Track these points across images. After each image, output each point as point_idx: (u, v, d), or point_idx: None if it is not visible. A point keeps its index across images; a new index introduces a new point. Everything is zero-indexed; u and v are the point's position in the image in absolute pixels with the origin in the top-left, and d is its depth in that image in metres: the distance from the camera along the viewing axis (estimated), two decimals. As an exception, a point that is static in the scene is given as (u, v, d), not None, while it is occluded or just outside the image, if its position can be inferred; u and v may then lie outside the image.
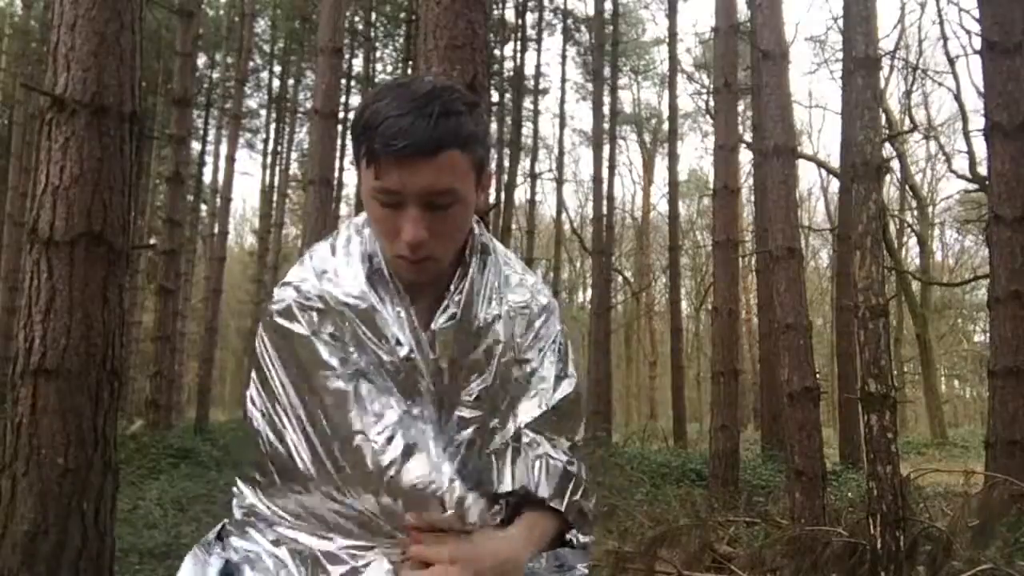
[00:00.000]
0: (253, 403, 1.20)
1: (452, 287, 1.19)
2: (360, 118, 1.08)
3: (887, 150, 17.76)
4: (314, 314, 1.12)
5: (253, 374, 1.21)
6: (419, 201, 1.06)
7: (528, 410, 1.22)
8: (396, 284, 1.16)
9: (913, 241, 24.79)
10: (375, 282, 1.16)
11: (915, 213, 23.97)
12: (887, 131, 17.73)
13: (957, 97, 18.34)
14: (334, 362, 1.11)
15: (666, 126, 22.69)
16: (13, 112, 19.64)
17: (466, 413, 1.18)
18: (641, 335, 33.76)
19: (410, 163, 1.04)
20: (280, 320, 1.15)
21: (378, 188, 1.07)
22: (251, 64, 22.99)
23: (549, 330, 1.28)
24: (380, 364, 1.13)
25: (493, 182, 1.39)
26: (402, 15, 21.75)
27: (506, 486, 1.15)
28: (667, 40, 19.17)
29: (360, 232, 1.21)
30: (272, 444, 1.15)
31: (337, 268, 1.16)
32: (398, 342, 1.14)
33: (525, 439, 1.20)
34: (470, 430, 1.18)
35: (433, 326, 1.16)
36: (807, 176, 36.49)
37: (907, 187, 22.81)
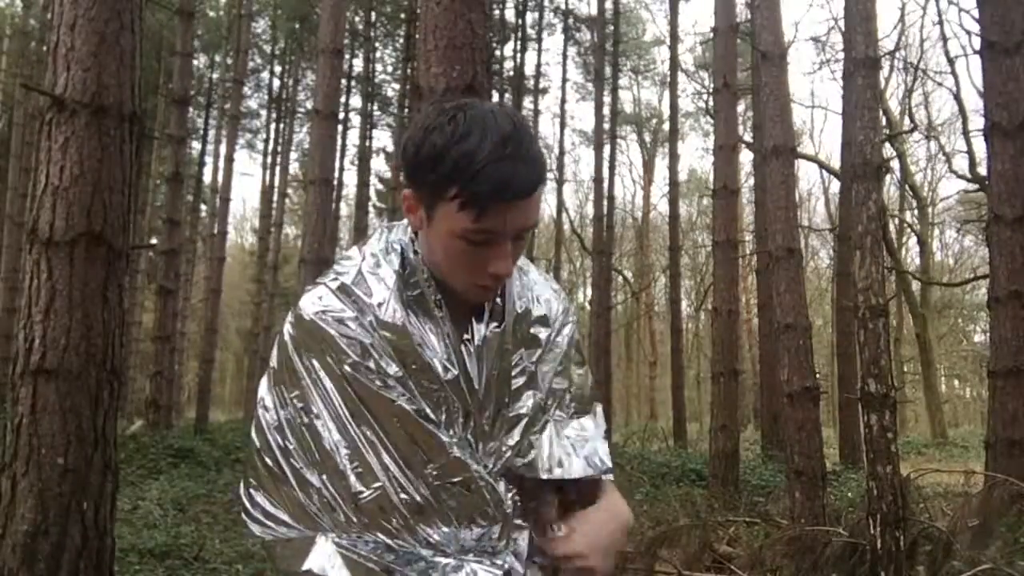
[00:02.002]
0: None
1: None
2: (445, 157, 1.05)
3: (887, 150, 17.77)
4: (356, 345, 1.10)
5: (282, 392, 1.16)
6: (513, 237, 1.09)
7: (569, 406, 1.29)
8: (436, 301, 1.15)
9: (913, 241, 24.81)
10: (411, 304, 1.14)
11: (915, 213, 23.98)
12: (887, 131, 17.72)
13: (957, 97, 18.35)
14: (393, 395, 1.10)
15: (666, 126, 22.73)
16: (13, 112, 19.64)
17: (515, 415, 1.19)
18: (641, 335, 33.76)
19: (514, 206, 1.06)
20: (315, 353, 1.12)
21: (476, 230, 1.06)
22: (251, 64, 23.03)
23: (574, 329, 1.33)
24: (424, 394, 1.12)
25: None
26: (402, 15, 21.76)
27: (576, 471, 1.23)
28: (667, 40, 19.18)
29: (391, 252, 1.18)
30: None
31: (371, 292, 1.14)
32: (444, 366, 1.13)
33: (571, 431, 1.27)
34: (518, 434, 1.19)
35: (477, 339, 1.16)
36: (807, 176, 36.50)
37: (907, 187, 22.80)
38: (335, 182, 18.03)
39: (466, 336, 1.16)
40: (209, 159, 23.86)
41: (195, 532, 6.51)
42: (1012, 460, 6.44)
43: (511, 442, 1.17)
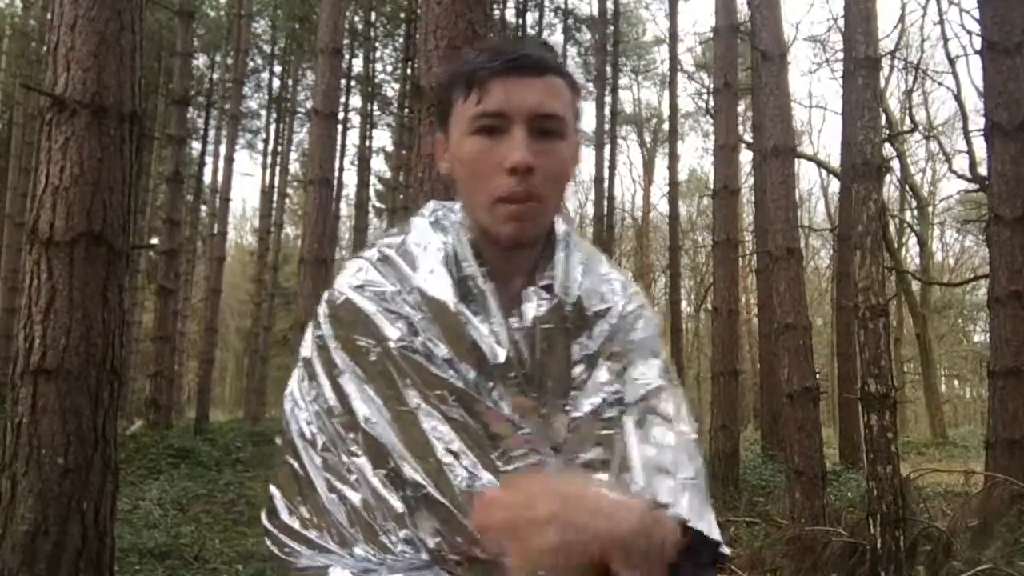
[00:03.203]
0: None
1: (540, 269, 1.05)
2: (448, 73, 1.03)
3: (887, 150, 17.77)
4: (402, 322, 0.98)
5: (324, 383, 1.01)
6: (525, 124, 0.97)
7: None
8: (484, 274, 1.01)
9: (913, 241, 24.81)
10: (459, 281, 1.02)
11: (915, 213, 23.97)
12: (887, 131, 17.73)
13: (957, 97, 18.34)
14: (448, 377, 0.96)
15: (666, 126, 22.70)
16: (13, 112, 19.64)
17: (573, 407, 1.01)
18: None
19: (516, 80, 0.97)
20: (354, 332, 0.98)
21: (479, 113, 0.97)
22: (251, 64, 23.04)
23: (648, 326, 1.12)
24: (466, 385, 0.97)
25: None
26: (402, 15, 21.75)
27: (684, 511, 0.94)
28: (667, 40, 19.17)
29: (440, 227, 1.07)
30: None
31: (417, 266, 1.02)
32: (492, 348, 0.98)
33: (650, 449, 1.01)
34: (581, 428, 1.00)
35: (527, 318, 1.01)
36: (807, 176, 36.49)
37: (907, 187, 22.79)
38: (335, 182, 18.03)
39: (513, 313, 1.02)
40: (209, 159, 23.87)
41: (195, 532, 6.52)
42: (1012, 460, 6.43)
43: (567, 437, 1.00)
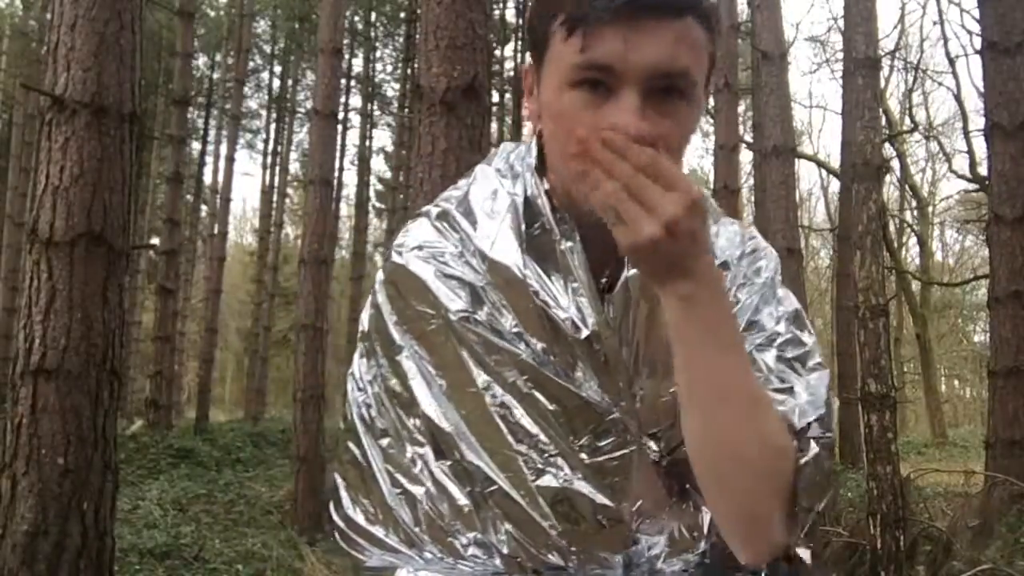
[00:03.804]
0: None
1: None
2: None
3: (887, 150, 17.77)
4: (465, 289, 0.84)
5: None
6: (641, 85, 0.74)
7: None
8: (565, 231, 0.84)
9: (913, 241, 24.79)
10: (532, 241, 0.85)
11: (915, 213, 23.97)
12: (887, 131, 17.73)
13: (957, 97, 18.36)
14: (519, 350, 0.82)
15: (666, 126, 22.65)
16: (13, 112, 19.64)
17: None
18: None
19: (637, 26, 0.73)
20: (412, 300, 0.85)
21: (585, 64, 0.75)
22: (251, 64, 23.02)
23: (770, 275, 0.93)
24: (542, 363, 0.82)
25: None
26: (402, 15, 21.75)
27: None
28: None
29: (512, 175, 0.89)
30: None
31: (478, 223, 0.87)
32: (574, 321, 0.82)
33: None
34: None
35: (619, 286, 0.83)
36: (807, 176, 36.46)
37: (907, 187, 22.79)
38: (335, 182, 18.03)
39: (604, 281, 0.84)
40: (209, 159, 23.87)
41: (195, 532, 6.51)
42: (1012, 460, 6.43)
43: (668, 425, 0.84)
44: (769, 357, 0.85)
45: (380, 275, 0.90)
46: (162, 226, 13.29)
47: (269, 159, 24.81)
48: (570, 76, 0.76)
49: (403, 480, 0.84)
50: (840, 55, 16.73)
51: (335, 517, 0.89)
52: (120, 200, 3.58)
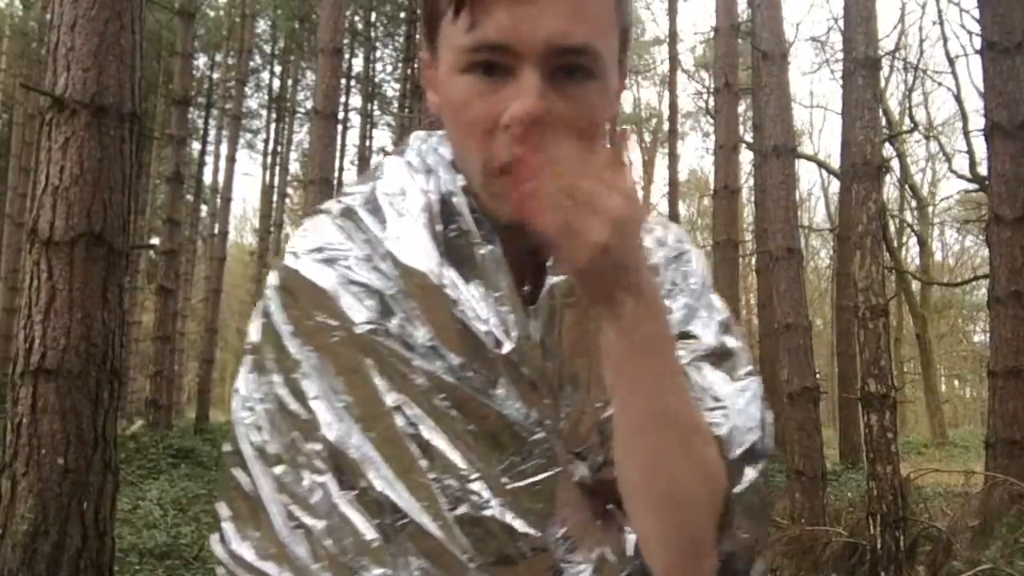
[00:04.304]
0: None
1: None
2: None
3: (887, 150, 17.77)
4: (372, 297, 0.74)
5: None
6: (540, 62, 0.67)
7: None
8: (485, 236, 0.75)
9: (913, 241, 24.80)
10: (449, 244, 0.76)
11: (915, 213, 23.98)
12: (887, 131, 17.73)
13: (957, 97, 18.36)
14: (434, 368, 0.73)
15: (666, 126, 22.69)
16: (13, 112, 19.65)
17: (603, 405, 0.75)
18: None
19: (529, 1, 0.66)
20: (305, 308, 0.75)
21: (472, 45, 0.68)
22: (251, 64, 23.01)
23: (696, 274, 0.87)
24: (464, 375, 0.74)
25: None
26: (402, 15, 21.75)
27: None
28: (667, 40, 19.17)
29: (425, 170, 0.80)
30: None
31: (387, 223, 0.77)
32: (494, 334, 0.73)
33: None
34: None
35: (542, 294, 0.75)
36: (807, 176, 36.47)
37: (907, 187, 22.80)
38: (335, 182, 18.02)
39: (525, 289, 0.76)
40: (209, 159, 23.89)
41: (195, 532, 6.51)
42: (1012, 460, 6.43)
43: (597, 443, 0.76)
44: (702, 372, 0.79)
45: (272, 280, 0.78)
46: (162, 226, 13.30)
47: (269, 159, 24.85)
48: (460, 60, 0.69)
49: (299, 512, 0.73)
50: (840, 55, 16.74)
51: (219, 552, 0.77)
52: (120, 200, 3.58)
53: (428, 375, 0.73)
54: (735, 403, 0.79)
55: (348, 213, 0.78)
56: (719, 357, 0.82)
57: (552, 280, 0.75)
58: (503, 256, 0.75)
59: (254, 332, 0.79)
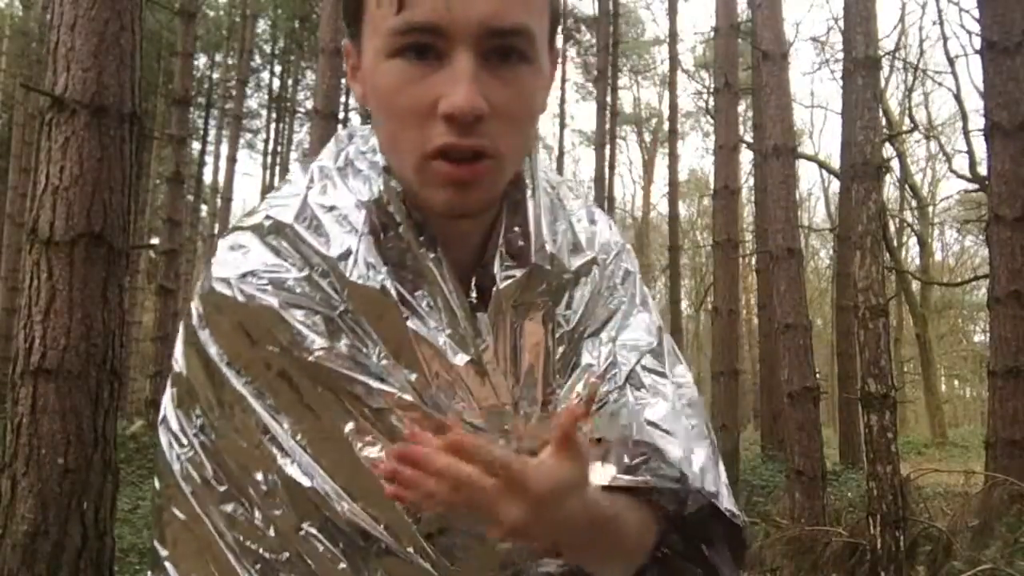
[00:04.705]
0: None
1: (500, 225, 0.75)
2: None
3: (887, 150, 17.78)
4: (319, 322, 0.70)
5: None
6: (472, 46, 0.64)
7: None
8: (426, 240, 0.72)
9: (913, 241, 24.81)
10: (390, 253, 0.72)
11: (915, 213, 23.98)
12: (887, 131, 17.72)
13: (957, 97, 18.35)
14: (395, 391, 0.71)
15: (666, 126, 22.70)
16: (13, 112, 19.65)
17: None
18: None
19: None
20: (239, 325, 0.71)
21: (401, 27, 0.65)
22: (251, 64, 23.02)
23: (630, 276, 0.88)
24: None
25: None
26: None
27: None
28: (667, 40, 19.19)
29: (353, 171, 0.75)
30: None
31: (328, 237, 0.72)
32: (451, 345, 0.72)
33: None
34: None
35: (492, 299, 0.74)
36: (807, 176, 36.52)
37: (907, 187, 22.80)
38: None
39: (472, 296, 0.75)
40: (209, 159, 23.89)
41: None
42: (1012, 460, 6.43)
43: None
44: (645, 383, 0.79)
45: (197, 307, 0.73)
46: (162, 226, 13.30)
47: (269, 159, 24.84)
48: (389, 44, 0.66)
49: (255, 545, 0.70)
50: (840, 55, 16.74)
51: None
52: (120, 200, 3.58)
53: (385, 395, 0.70)
54: (682, 437, 0.77)
55: (278, 229, 0.72)
56: (655, 355, 0.82)
57: (500, 285, 0.73)
58: (445, 262, 0.72)
59: (181, 362, 0.76)
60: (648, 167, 32.69)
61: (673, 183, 17.96)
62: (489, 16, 0.64)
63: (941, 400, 22.81)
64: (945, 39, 24.41)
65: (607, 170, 17.46)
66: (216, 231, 19.09)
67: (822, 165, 23.56)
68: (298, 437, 0.70)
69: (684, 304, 25.72)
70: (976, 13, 8.08)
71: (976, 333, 32.05)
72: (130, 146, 3.65)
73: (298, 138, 25.25)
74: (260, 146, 26.56)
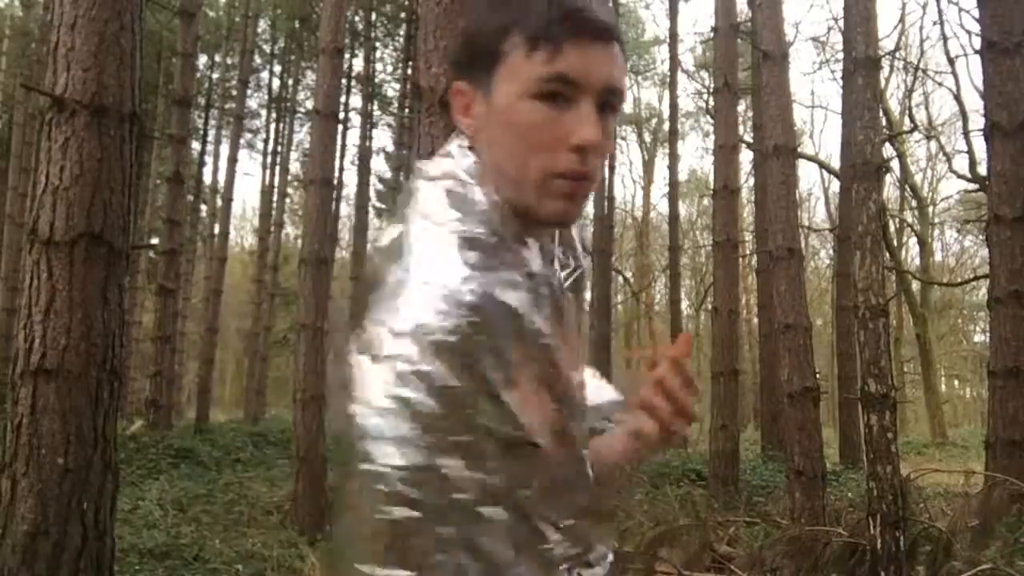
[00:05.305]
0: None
1: (561, 233, 0.96)
2: (491, 15, 0.88)
3: (887, 150, 17.77)
4: (544, 321, 0.84)
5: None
6: (594, 98, 0.84)
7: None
8: (525, 241, 0.88)
9: (913, 241, 24.83)
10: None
11: (915, 213, 23.98)
12: (887, 131, 17.73)
13: (957, 97, 18.37)
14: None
15: (666, 126, 22.70)
16: (13, 112, 19.65)
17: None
18: (641, 335, 33.75)
19: (592, 46, 0.84)
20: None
21: (551, 75, 0.83)
22: (251, 64, 23.03)
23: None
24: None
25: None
26: (402, 15, 21.76)
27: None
28: (667, 40, 19.18)
29: (466, 185, 0.87)
30: None
31: (519, 244, 0.86)
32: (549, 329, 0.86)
33: None
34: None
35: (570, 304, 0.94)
36: (807, 176, 36.52)
37: (907, 187, 22.81)
38: (335, 182, 18.02)
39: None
40: (209, 159, 23.88)
41: (195, 532, 6.52)
42: (1012, 460, 6.43)
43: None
44: None
45: (440, 339, 0.73)
46: (162, 226, 13.29)
47: (269, 159, 24.83)
48: (533, 88, 0.83)
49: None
50: (840, 55, 16.74)
51: None
52: (120, 200, 3.58)
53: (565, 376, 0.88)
54: None
55: (497, 240, 0.84)
56: None
57: (560, 280, 0.93)
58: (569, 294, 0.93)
59: (415, 390, 0.72)
60: (648, 167, 32.68)
61: (673, 183, 17.96)
62: (609, 79, 0.85)
63: (941, 400, 22.80)
64: (945, 39, 24.41)
65: (607, 170, 17.47)
66: (216, 231, 19.07)
67: (822, 165, 23.57)
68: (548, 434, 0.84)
69: (684, 304, 25.73)
70: (976, 13, 8.08)
71: (976, 333, 32.08)
72: (130, 146, 3.65)
73: (298, 138, 25.28)
74: (260, 146, 26.56)
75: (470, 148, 0.89)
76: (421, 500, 0.71)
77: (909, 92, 20.70)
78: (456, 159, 0.90)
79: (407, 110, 19.69)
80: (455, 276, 0.77)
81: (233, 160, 18.32)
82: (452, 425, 0.72)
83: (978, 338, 31.16)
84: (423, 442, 0.71)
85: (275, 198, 23.48)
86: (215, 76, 25.18)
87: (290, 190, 26.22)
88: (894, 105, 22.07)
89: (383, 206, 23.95)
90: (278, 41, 25.02)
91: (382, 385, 0.73)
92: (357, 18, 21.93)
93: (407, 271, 0.79)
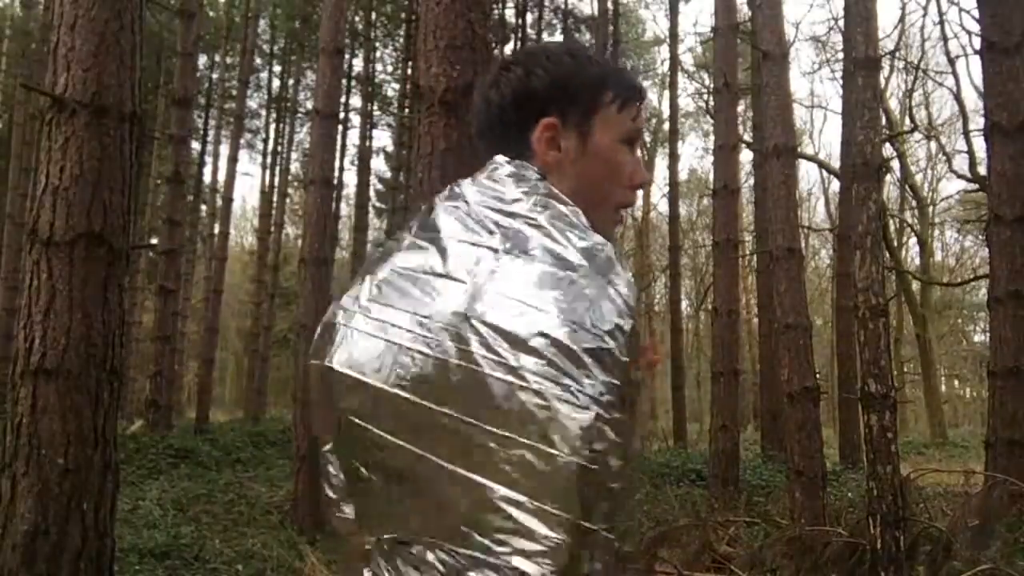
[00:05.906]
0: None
1: None
2: (585, 70, 1.04)
3: (887, 150, 17.77)
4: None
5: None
6: (639, 145, 1.11)
7: None
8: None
9: (913, 241, 24.80)
10: None
11: (915, 213, 23.97)
12: (887, 131, 17.73)
13: (957, 97, 18.37)
14: None
15: (666, 126, 22.71)
16: (13, 112, 19.64)
17: None
18: (641, 335, 33.65)
19: (642, 106, 1.09)
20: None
21: (637, 129, 1.08)
22: (251, 64, 23.03)
23: None
24: None
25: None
26: (402, 15, 21.75)
27: None
28: (667, 40, 19.19)
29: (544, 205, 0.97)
30: None
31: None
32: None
33: None
34: None
35: None
36: (807, 176, 36.46)
37: (907, 187, 22.81)
38: (335, 182, 18.02)
39: None
40: (209, 159, 23.88)
41: (195, 532, 6.51)
42: (1012, 460, 6.43)
43: None
44: None
45: (627, 293, 0.93)
46: (162, 226, 13.30)
47: (269, 159, 24.84)
48: (625, 136, 1.05)
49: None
50: (840, 55, 16.74)
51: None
52: (120, 200, 3.58)
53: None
54: None
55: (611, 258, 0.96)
56: None
57: None
58: None
59: (619, 341, 0.91)
60: (648, 167, 32.65)
61: (673, 183, 17.97)
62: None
63: (941, 400, 22.80)
64: (945, 39, 24.29)
65: (607, 170, 17.44)
66: (216, 231, 19.06)
67: (822, 165, 23.57)
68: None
69: (684, 304, 25.73)
70: (976, 13, 8.08)
71: (976, 333, 32.08)
72: (130, 146, 3.65)
73: (298, 138, 25.29)
74: (260, 146, 26.57)
75: (543, 176, 1.01)
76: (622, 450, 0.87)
77: (909, 92, 20.67)
78: (538, 183, 1.00)
79: (407, 110, 19.69)
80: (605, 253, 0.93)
81: (233, 160, 18.33)
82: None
83: (978, 338, 31.18)
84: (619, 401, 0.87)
85: (275, 198, 23.49)
86: (215, 76, 25.18)
87: (290, 190, 26.24)
88: (894, 105, 22.09)
89: (383, 206, 23.95)
90: (278, 41, 25.02)
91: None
92: (357, 18, 21.94)
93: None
